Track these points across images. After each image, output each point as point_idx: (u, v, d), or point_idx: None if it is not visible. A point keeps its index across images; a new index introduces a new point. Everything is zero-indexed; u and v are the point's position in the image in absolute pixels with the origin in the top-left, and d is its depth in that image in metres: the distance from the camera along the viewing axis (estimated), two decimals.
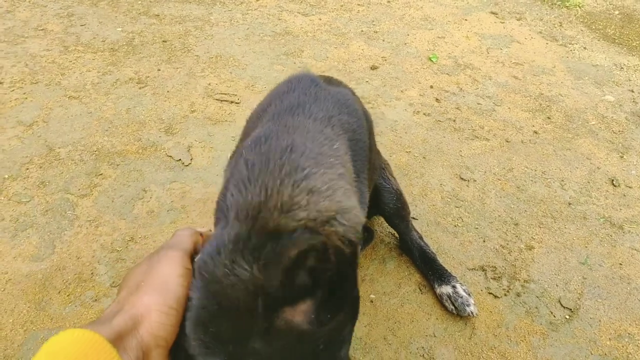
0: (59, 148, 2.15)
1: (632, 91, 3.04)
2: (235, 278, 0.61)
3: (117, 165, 2.12)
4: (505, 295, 1.80)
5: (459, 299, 1.68)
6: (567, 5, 4.07)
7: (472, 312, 1.66)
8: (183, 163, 2.18)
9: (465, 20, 3.64)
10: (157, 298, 0.66)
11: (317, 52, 3.03)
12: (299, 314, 0.61)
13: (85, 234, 1.84)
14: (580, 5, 4.10)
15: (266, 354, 0.62)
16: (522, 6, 3.96)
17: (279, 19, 3.31)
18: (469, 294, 1.70)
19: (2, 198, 1.91)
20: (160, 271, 0.70)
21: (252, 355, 0.62)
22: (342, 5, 3.58)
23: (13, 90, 2.40)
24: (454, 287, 1.71)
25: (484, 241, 1.99)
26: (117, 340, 0.60)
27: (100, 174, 2.07)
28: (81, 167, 2.09)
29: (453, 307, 1.68)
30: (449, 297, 1.70)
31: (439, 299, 1.73)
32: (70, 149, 2.16)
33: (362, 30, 3.34)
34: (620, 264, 1.96)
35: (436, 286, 1.74)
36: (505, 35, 3.50)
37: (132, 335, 0.62)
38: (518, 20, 3.74)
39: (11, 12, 2.94)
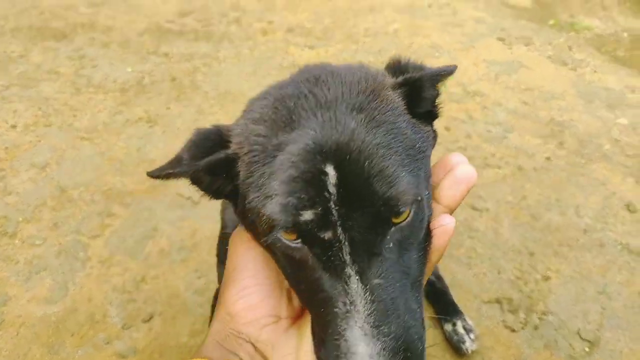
0: (71, 189, 2.17)
1: None
2: None
3: (128, 204, 2.14)
4: (522, 328, 1.75)
5: (455, 337, 1.67)
6: (576, 28, 4.07)
7: (467, 350, 1.64)
8: (193, 201, 2.19)
9: (473, 47, 3.65)
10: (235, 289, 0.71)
11: None
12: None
13: (97, 275, 1.84)
14: (589, 28, 4.10)
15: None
16: (530, 31, 3.97)
17: (286, 53, 3.35)
18: (468, 330, 1.67)
19: (17, 241, 1.93)
20: (230, 263, 0.75)
21: None
22: (348, 37, 3.62)
23: (27, 134, 2.45)
24: (454, 324, 1.69)
25: (499, 272, 1.95)
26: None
27: (112, 214, 2.08)
28: (93, 207, 2.10)
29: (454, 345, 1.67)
30: (449, 334, 1.69)
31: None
32: (82, 190, 2.18)
33: (369, 61, 3.36)
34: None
35: (442, 322, 1.73)
36: (514, 61, 3.50)
37: (231, 336, 0.69)
38: (526, 45, 3.74)
39: (24, 57, 3.02)
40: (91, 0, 3.70)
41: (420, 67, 0.77)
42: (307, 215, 0.61)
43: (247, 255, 0.73)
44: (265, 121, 0.68)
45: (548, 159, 2.57)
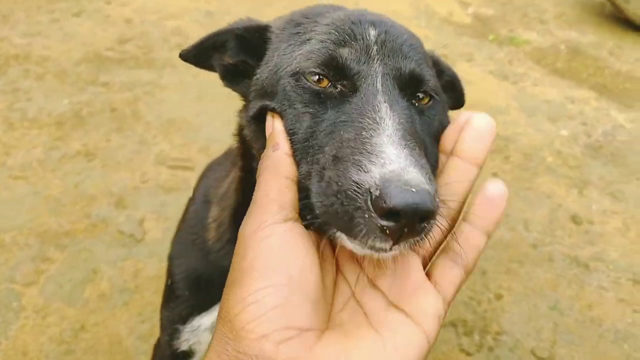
0: (3, 234, 2.03)
1: (585, 124, 3.10)
2: None
3: (65, 246, 2.02)
4: (477, 351, 1.73)
5: None
6: (515, 42, 4.19)
7: None
8: (135, 238, 2.09)
9: None
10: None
11: None
12: None
13: (32, 326, 1.72)
14: (527, 42, 4.23)
15: None
16: (472, 47, 4.06)
17: None
18: None
19: None
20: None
21: None
22: None
23: None
24: None
25: None
26: None
27: (47, 258, 1.96)
28: (27, 252, 1.97)
29: None
30: None
31: None
32: (15, 233, 2.04)
33: None
34: (590, 305, 1.92)
35: None
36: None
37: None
38: (468, 61, 3.82)
39: None
40: (25, 30, 3.55)
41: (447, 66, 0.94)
42: (346, 50, 0.67)
43: (258, 247, 0.56)
44: (315, 9, 0.76)
45: (495, 174, 2.60)
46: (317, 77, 0.67)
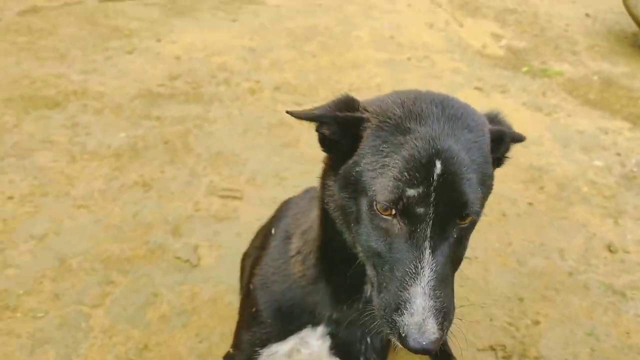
0: (70, 259, 2.22)
1: (619, 154, 3.15)
2: None
3: (127, 271, 2.19)
4: None
5: None
6: (548, 74, 4.28)
7: None
8: (191, 264, 2.25)
9: None
10: None
11: (313, 140, 3.16)
12: None
13: (100, 346, 1.88)
14: (560, 73, 4.31)
15: None
16: (505, 79, 4.17)
17: (274, 111, 3.48)
18: None
19: (19, 314, 1.96)
20: None
21: None
22: (333, 93, 3.76)
23: (24, 205, 2.50)
24: None
25: (491, 320, 2.02)
26: None
27: (111, 282, 2.13)
28: (92, 276, 2.15)
29: None
30: None
31: None
32: (80, 259, 2.23)
33: None
34: (627, 332, 1.98)
35: None
36: (491, 109, 3.67)
37: None
38: (502, 93, 3.93)
39: (18, 126, 3.11)
40: (82, 67, 3.83)
41: (508, 125, 1.10)
42: (412, 192, 0.85)
43: None
44: (402, 107, 0.93)
45: (530, 204, 2.68)
46: (386, 208, 0.88)
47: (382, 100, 0.99)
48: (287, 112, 1.03)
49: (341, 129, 0.97)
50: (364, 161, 0.92)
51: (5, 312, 1.97)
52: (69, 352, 1.84)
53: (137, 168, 2.83)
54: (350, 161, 0.94)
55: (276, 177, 2.85)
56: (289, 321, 1.15)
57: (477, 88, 3.97)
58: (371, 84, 3.95)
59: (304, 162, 2.98)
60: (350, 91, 3.37)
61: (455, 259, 0.93)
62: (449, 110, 0.94)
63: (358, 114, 0.96)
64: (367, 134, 0.94)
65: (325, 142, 1.03)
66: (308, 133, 3.24)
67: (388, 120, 0.93)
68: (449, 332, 0.89)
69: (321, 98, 3.69)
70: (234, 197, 2.67)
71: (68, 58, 3.96)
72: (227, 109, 3.46)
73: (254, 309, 1.22)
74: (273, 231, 1.35)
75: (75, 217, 2.46)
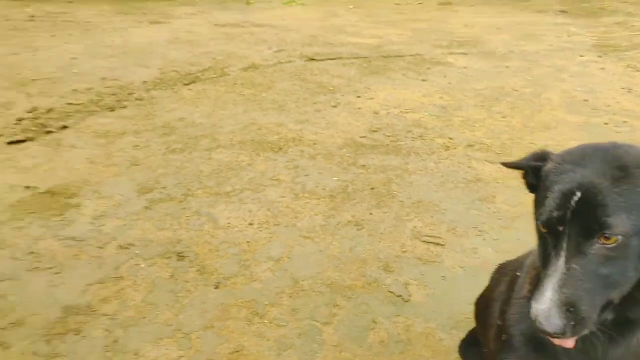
0: (302, 280, 2.61)
1: None
2: None
3: (349, 297, 2.51)
4: None
5: None
6: None
7: None
8: (403, 299, 2.50)
9: None
10: None
11: (509, 198, 3.29)
12: None
13: (332, 358, 2.19)
14: None
15: None
16: None
17: (469, 167, 3.68)
18: None
19: (266, 321, 2.36)
20: None
21: None
22: (526, 153, 3.87)
23: (261, 231, 2.99)
24: None
25: None
26: None
27: (337, 305, 2.46)
28: (321, 297, 2.50)
29: None
30: None
31: None
32: (310, 281, 2.61)
33: None
34: None
35: None
36: None
37: None
38: None
39: (251, 165, 3.71)
40: (297, 118, 4.43)
41: None
42: (556, 213, 1.08)
43: None
44: (572, 153, 1.18)
45: None
46: (542, 227, 1.13)
47: (566, 150, 1.22)
48: (502, 163, 1.38)
49: (535, 175, 1.23)
50: (539, 196, 1.18)
51: (255, 317, 2.39)
52: (307, 359, 2.18)
53: (349, 208, 3.21)
54: (537, 194, 1.21)
55: (475, 229, 3.02)
56: (541, 352, 1.32)
57: None
58: (567, 146, 3.96)
59: (501, 217, 3.12)
60: (547, 147, 3.46)
61: (602, 275, 1.07)
62: (611, 155, 1.12)
63: (541, 164, 1.22)
64: (544, 176, 1.18)
65: (529, 186, 1.29)
66: (504, 190, 3.38)
67: (558, 164, 1.16)
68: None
69: (515, 156, 3.81)
70: (437, 244, 2.89)
71: (285, 109, 4.62)
72: (424, 162, 3.75)
73: (507, 339, 1.41)
74: (518, 273, 1.54)
75: (302, 245, 2.88)
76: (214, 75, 5.46)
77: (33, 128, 4.05)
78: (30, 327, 2.25)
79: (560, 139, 4.06)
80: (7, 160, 3.61)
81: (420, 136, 4.14)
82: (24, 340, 2.18)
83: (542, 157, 1.26)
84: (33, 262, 2.63)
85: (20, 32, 6.93)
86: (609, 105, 4.66)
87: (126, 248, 2.78)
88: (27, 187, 3.28)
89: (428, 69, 5.74)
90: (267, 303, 2.47)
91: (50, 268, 2.59)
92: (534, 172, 1.25)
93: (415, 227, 3.04)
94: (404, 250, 2.85)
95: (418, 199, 3.31)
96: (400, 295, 2.52)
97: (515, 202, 3.25)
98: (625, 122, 4.33)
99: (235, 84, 5.26)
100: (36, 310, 2.33)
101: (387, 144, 4.01)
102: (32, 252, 2.70)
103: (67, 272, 2.57)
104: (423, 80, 5.40)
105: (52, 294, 2.43)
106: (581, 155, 1.15)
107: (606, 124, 4.31)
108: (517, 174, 3.61)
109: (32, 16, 7.81)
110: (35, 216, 3.00)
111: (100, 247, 2.78)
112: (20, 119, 4.20)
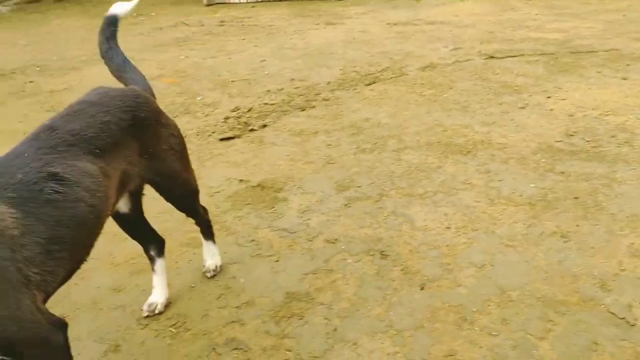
0: (509, 291, 2.55)
1: None
2: None
3: (563, 313, 2.39)
4: None
5: None
6: None
7: None
8: (627, 322, 2.32)
9: None
10: None
11: None
12: None
13: None
14: None
15: None
16: None
17: None
18: None
19: (476, 328, 2.36)
20: None
21: None
22: None
23: (459, 235, 2.98)
24: None
25: None
26: None
27: (550, 320, 2.36)
28: (532, 310, 2.42)
29: None
30: None
31: None
32: (518, 292, 2.53)
33: None
34: None
35: None
36: None
37: None
38: None
39: (441, 167, 3.70)
40: (483, 120, 4.32)
41: None
42: None
43: None
44: None
45: None
46: None
47: None
48: None
49: None
50: None
51: (464, 323, 2.39)
52: None
53: (551, 218, 3.05)
54: None
55: None
56: None
57: None
58: None
59: None
60: None
61: None
62: None
63: None
64: None
65: None
66: None
67: None
68: None
69: None
70: None
71: (469, 110, 4.53)
72: (635, 171, 3.42)
73: None
74: None
75: (504, 253, 2.81)
76: (393, 75, 5.55)
77: (238, 126, 4.49)
78: (259, 308, 2.51)
79: None
80: (220, 156, 4.06)
81: (626, 142, 3.78)
82: (256, 319, 2.45)
83: None
84: (255, 249, 2.92)
85: (214, 37, 7.71)
86: None
87: (333, 243, 2.96)
88: (241, 181, 3.65)
89: (628, 65, 5.21)
90: (474, 310, 2.46)
91: (270, 256, 2.86)
92: None
93: (633, 243, 2.80)
94: (622, 268, 2.64)
95: (632, 212, 3.04)
96: (623, 318, 2.34)
97: None
98: None
99: (415, 84, 5.28)
100: (263, 293, 2.60)
101: (588, 150, 3.73)
102: (253, 240, 3.01)
103: (284, 261, 2.82)
104: (623, 78, 4.92)
105: (274, 279, 2.69)
106: None
107: None
108: None
109: (222, 21, 8.63)
110: (250, 207, 3.34)
111: (310, 240, 2.99)
112: (227, 118, 4.68)
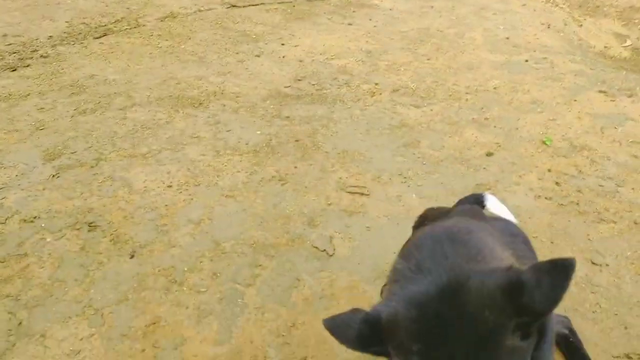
0: (224, 242, 2.51)
1: None
2: None
3: (272, 256, 2.44)
4: None
5: None
6: None
7: None
8: (327, 253, 2.45)
9: (575, 100, 3.76)
10: None
11: (434, 142, 3.27)
12: None
13: (254, 320, 2.13)
14: None
15: None
16: (632, 82, 4.01)
17: (394, 112, 3.63)
18: None
19: (185, 288, 2.27)
20: None
21: None
22: (451, 95, 3.85)
23: (181, 192, 2.85)
24: None
25: (626, 328, 2.03)
26: None
27: (259, 265, 2.39)
28: (243, 259, 2.42)
29: None
30: None
31: None
32: (232, 243, 2.51)
33: (473, 118, 3.56)
34: None
35: None
36: (619, 114, 3.57)
37: None
38: (629, 97, 3.79)
39: (170, 123, 3.50)
40: (218, 70, 4.20)
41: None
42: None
43: None
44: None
45: None
46: None
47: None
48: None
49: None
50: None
51: (174, 285, 2.29)
52: (229, 324, 2.11)
53: (273, 163, 3.10)
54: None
55: (400, 176, 3.00)
56: None
57: (601, 91, 3.86)
58: (488, 86, 3.97)
59: (426, 162, 3.10)
60: (468, 94, 3.46)
61: None
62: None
63: (377, 347, 1.09)
64: (392, 350, 1.09)
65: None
66: (428, 135, 3.36)
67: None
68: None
69: (439, 100, 3.79)
70: (362, 194, 2.85)
71: (206, 61, 4.36)
72: (350, 110, 3.66)
73: None
74: None
75: (224, 205, 2.76)
76: (128, 27, 5.07)
77: None
78: None
79: (482, 80, 4.06)
80: None
81: (346, 83, 4.03)
82: None
83: (371, 331, 1.05)
84: None
85: None
86: (529, 43, 4.69)
87: (31, 222, 2.58)
88: None
89: (354, 12, 5.56)
90: (186, 269, 2.37)
91: None
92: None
93: (340, 178, 2.98)
94: (329, 203, 2.79)
95: (343, 148, 3.24)
96: (324, 250, 2.47)
97: (439, 145, 3.23)
98: (544, 58, 4.37)
99: (152, 35, 4.90)
100: None
101: (312, 93, 3.88)
102: None
103: None
104: (349, 24, 5.23)
105: None
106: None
107: (526, 61, 4.34)
108: (440, 117, 3.58)
109: None
110: None
111: (2, 223, 2.56)
112: None
